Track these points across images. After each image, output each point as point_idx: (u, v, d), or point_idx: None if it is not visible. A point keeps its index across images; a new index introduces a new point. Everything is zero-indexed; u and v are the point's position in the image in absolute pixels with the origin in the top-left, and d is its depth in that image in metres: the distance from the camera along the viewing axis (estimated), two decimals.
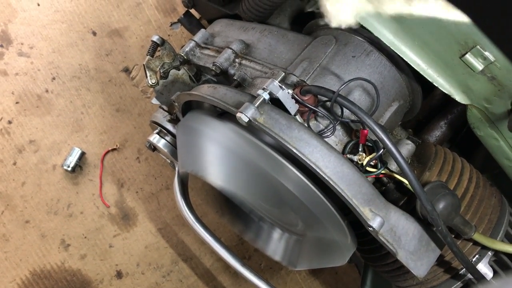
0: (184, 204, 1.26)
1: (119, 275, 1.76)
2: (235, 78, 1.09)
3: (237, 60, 1.13)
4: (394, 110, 1.08)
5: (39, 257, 1.69)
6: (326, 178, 0.82)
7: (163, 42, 1.22)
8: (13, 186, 1.69)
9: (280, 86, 0.86)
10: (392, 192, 1.02)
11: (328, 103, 0.95)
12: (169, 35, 1.79)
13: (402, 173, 0.82)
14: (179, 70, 1.24)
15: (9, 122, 1.68)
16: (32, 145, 1.68)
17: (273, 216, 1.09)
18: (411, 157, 1.05)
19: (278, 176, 0.89)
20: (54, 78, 1.71)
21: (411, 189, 0.91)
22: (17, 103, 1.67)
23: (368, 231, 1.01)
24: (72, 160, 1.69)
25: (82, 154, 1.72)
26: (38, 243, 1.69)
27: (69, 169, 1.68)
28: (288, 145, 0.82)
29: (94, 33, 1.74)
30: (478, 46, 0.76)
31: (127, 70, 1.78)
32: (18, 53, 1.66)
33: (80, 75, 1.73)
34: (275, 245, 1.17)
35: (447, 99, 1.38)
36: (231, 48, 1.13)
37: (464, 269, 1.02)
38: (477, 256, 1.02)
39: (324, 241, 0.99)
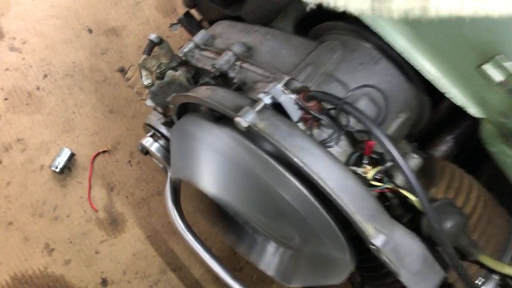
0: (175, 211, 1.22)
1: (104, 283, 1.70)
2: (235, 81, 1.04)
3: (237, 63, 1.08)
4: (400, 122, 1.03)
5: (21, 261, 1.62)
6: (329, 190, 0.77)
7: (160, 41, 1.17)
8: None
9: (283, 90, 0.81)
10: (395, 208, 0.97)
11: (332, 112, 0.91)
12: (167, 36, 1.74)
13: (410, 189, 0.76)
14: (176, 71, 1.19)
15: None
16: (19, 143, 1.63)
17: (268, 228, 1.04)
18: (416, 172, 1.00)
19: (277, 186, 0.84)
20: (46, 76, 1.66)
21: (417, 206, 0.86)
22: (5, 99, 1.62)
23: (369, 249, 0.96)
24: (60, 161, 1.63)
25: (72, 155, 1.66)
26: (20, 246, 1.62)
27: (57, 170, 1.62)
28: (290, 154, 0.77)
29: (90, 31, 1.69)
30: (498, 56, 0.70)
31: (122, 70, 1.73)
32: (9, 48, 1.61)
33: (73, 73, 1.68)
34: (269, 259, 1.12)
35: (453, 114, 1.35)
36: (231, 51, 1.09)
37: None
38: (482, 279, 0.97)
39: (321, 257, 0.94)
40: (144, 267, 1.73)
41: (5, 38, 1.62)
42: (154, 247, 1.74)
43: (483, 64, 0.73)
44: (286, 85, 0.86)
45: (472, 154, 1.35)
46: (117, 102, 1.72)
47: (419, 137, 1.32)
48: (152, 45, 1.17)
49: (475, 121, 1.20)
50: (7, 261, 1.61)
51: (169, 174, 1.24)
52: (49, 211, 1.65)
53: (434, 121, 1.30)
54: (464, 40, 0.75)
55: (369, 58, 1.01)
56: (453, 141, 1.21)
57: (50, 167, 1.64)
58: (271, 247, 1.11)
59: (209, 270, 1.78)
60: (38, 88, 1.65)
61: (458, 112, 1.30)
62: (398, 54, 0.99)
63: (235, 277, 1.16)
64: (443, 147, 1.23)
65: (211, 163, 0.91)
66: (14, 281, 1.60)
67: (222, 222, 1.22)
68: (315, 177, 0.77)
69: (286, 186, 0.83)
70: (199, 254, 1.22)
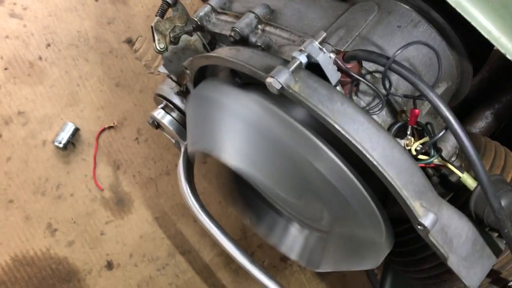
0: (189, 189, 1.15)
1: (109, 265, 1.62)
2: (259, 44, 0.95)
3: (260, 26, 1.00)
4: (441, 92, 0.95)
5: (22, 242, 1.53)
6: (374, 162, 0.68)
7: (175, 2, 1.08)
8: None
9: (320, 48, 0.71)
10: (435, 186, 0.88)
11: (369, 77, 0.81)
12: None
13: (468, 159, 0.67)
14: (191, 36, 1.09)
15: None
16: (20, 117, 1.53)
17: (295, 207, 0.96)
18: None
19: (310, 158, 0.75)
20: (49, 45, 1.56)
21: (466, 184, 0.78)
22: (5, 69, 1.52)
23: (406, 230, 0.87)
24: (64, 136, 1.54)
25: (76, 130, 1.57)
26: (21, 225, 1.54)
27: (61, 145, 1.53)
28: (330, 120, 0.68)
29: None
30: None
31: (130, 41, 1.63)
32: (9, 14, 1.51)
33: (78, 43, 1.58)
34: (292, 242, 1.05)
35: (483, 91, 1.26)
36: (253, 12, 1.00)
37: None
38: None
39: (355, 239, 0.85)
40: (152, 250, 1.65)
41: (5, 3, 1.52)
42: (162, 229, 1.66)
43: None
44: (321, 44, 0.77)
45: (507, 132, 1.27)
46: (124, 75, 1.63)
47: None
48: (165, 6, 1.07)
49: None
50: (7, 241, 1.52)
51: (182, 149, 1.16)
52: (52, 189, 1.56)
53: (463, 99, 1.21)
54: None
55: (407, 20, 0.93)
56: (492, 116, 1.12)
57: (53, 142, 1.55)
58: (294, 229, 1.03)
59: (219, 254, 1.72)
60: (40, 58, 1.55)
61: (489, 90, 1.22)
62: (440, 16, 0.91)
63: (253, 261, 1.10)
64: (480, 123, 1.14)
65: (235, 133, 0.82)
66: (14, 262, 1.52)
67: (239, 202, 1.14)
68: (358, 146, 0.67)
69: (320, 157, 0.74)
70: (213, 235, 1.15)
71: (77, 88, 1.58)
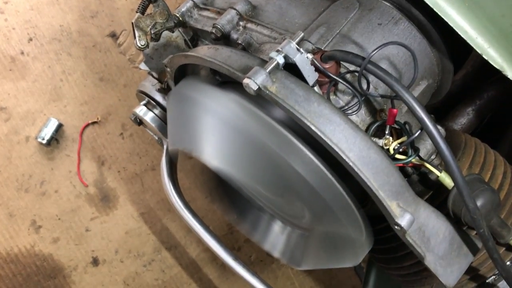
0: (172, 187, 1.15)
1: (95, 262, 1.61)
2: (239, 42, 0.94)
3: (241, 23, 0.99)
4: (422, 90, 0.95)
5: (5, 239, 1.53)
6: (350, 163, 0.68)
7: None
8: None
9: (298, 48, 0.71)
10: (414, 185, 0.89)
11: (348, 76, 0.81)
12: None
13: (444, 160, 0.67)
14: (173, 32, 1.08)
15: None
16: (2, 112, 1.52)
17: (276, 205, 0.95)
18: None
19: (288, 157, 0.75)
20: (31, 39, 1.54)
21: (443, 182, 0.78)
22: None
23: (386, 228, 0.87)
24: (47, 132, 1.52)
25: (60, 126, 1.55)
26: (5, 223, 1.53)
27: (44, 142, 1.52)
28: (306, 121, 0.68)
29: None
30: None
31: (114, 36, 1.61)
32: None
33: (60, 37, 1.56)
34: (275, 239, 1.05)
35: (467, 86, 1.26)
36: (235, 9, 0.99)
37: (493, 276, 0.90)
38: (508, 263, 0.89)
39: (335, 237, 0.86)
40: (138, 245, 1.65)
41: None
42: (148, 225, 1.65)
43: None
44: (299, 44, 0.76)
45: (489, 128, 1.27)
46: (108, 70, 1.61)
47: (432, 111, 1.23)
48: (146, 2, 1.06)
49: (501, 92, 1.12)
50: None
51: (165, 146, 1.15)
52: (36, 186, 1.55)
53: (447, 94, 1.21)
54: None
55: (388, 18, 0.92)
56: (473, 113, 1.13)
57: (36, 138, 1.53)
58: (277, 226, 1.03)
59: (206, 249, 1.72)
60: (22, 53, 1.53)
61: (474, 85, 1.22)
62: (421, 14, 0.91)
63: (236, 258, 1.10)
64: (462, 120, 1.14)
65: (214, 133, 0.82)
66: None
67: (223, 199, 1.14)
68: (335, 148, 0.67)
69: (298, 158, 0.74)
70: (196, 232, 1.15)
71: (60, 83, 1.56)
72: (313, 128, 0.67)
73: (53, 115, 1.56)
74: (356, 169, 0.68)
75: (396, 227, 0.71)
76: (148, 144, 1.63)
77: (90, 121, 1.58)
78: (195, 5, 1.07)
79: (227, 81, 0.89)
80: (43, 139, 1.52)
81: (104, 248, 1.61)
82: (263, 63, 0.72)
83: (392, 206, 0.70)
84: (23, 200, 1.54)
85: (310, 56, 0.71)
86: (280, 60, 0.70)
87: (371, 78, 0.78)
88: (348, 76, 0.81)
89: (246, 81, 0.69)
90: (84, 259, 1.60)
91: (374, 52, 0.69)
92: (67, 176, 1.58)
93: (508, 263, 0.90)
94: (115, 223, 1.62)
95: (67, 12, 1.57)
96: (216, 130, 0.81)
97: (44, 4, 1.54)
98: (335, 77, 0.73)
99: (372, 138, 0.79)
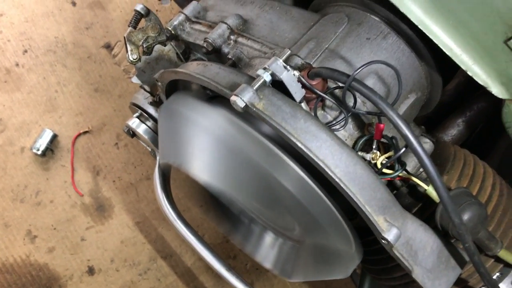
0: (165, 199, 1.15)
1: (91, 271, 1.61)
2: (230, 57, 0.95)
3: (232, 37, 1.00)
4: (410, 103, 0.95)
5: (1, 249, 1.53)
6: (336, 179, 0.69)
7: (148, 12, 1.07)
8: None
9: (284, 66, 0.72)
10: (404, 197, 0.90)
11: (337, 91, 0.82)
12: (157, 11, 1.63)
13: (429, 177, 0.68)
14: (165, 46, 1.09)
15: None
16: None
17: (266, 218, 0.96)
18: None
19: (276, 172, 0.76)
20: (26, 51, 1.55)
21: (431, 196, 0.79)
22: None
23: (375, 240, 0.88)
24: (42, 143, 1.53)
25: (54, 136, 1.56)
26: (0, 233, 1.53)
27: (39, 152, 1.52)
28: (292, 138, 0.69)
29: (74, 3, 1.58)
30: None
31: (108, 47, 1.62)
32: None
33: (55, 49, 1.57)
34: (266, 251, 1.05)
35: (460, 96, 1.26)
36: (226, 23, 1.00)
37: None
38: (498, 274, 0.90)
39: (324, 249, 0.86)
40: (133, 254, 1.65)
41: None
42: (143, 234, 1.65)
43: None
44: (287, 60, 0.77)
45: (479, 139, 1.28)
46: (103, 81, 1.62)
47: (425, 120, 1.24)
48: (138, 16, 1.06)
49: (491, 103, 1.13)
50: None
51: (157, 158, 1.16)
52: (31, 196, 1.56)
53: (440, 103, 1.22)
54: (491, 9, 0.66)
55: (376, 32, 0.93)
56: (464, 124, 1.13)
57: (31, 149, 1.54)
58: (268, 238, 1.04)
59: (201, 258, 1.71)
60: (17, 65, 1.54)
61: (466, 94, 1.23)
62: (409, 28, 0.92)
63: (230, 268, 1.10)
64: (452, 131, 1.14)
65: (203, 148, 0.83)
66: None
67: (215, 210, 1.14)
68: (321, 164, 0.68)
69: (286, 173, 0.75)
70: (191, 244, 1.16)
71: (55, 94, 1.57)
72: (299, 144, 0.68)
73: (48, 126, 1.57)
74: (342, 185, 0.69)
75: (383, 241, 0.72)
76: (143, 154, 1.64)
77: (81, 131, 1.58)
78: (187, 19, 1.08)
79: (216, 96, 0.89)
80: (38, 149, 1.53)
81: (100, 257, 1.62)
82: (251, 80, 0.73)
83: (379, 220, 0.71)
84: (18, 210, 1.55)
85: (296, 73, 0.72)
86: (267, 77, 0.71)
87: (358, 94, 0.79)
88: (336, 91, 0.82)
89: (233, 98, 0.70)
90: (79, 269, 1.60)
91: (358, 71, 0.70)
92: (62, 186, 1.59)
93: (497, 274, 0.90)
94: (111, 232, 1.63)
95: (62, 23, 1.58)
96: (204, 145, 0.82)
97: (39, 16, 1.55)
98: (321, 93, 0.73)
99: (360, 152, 0.80)
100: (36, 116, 1.56)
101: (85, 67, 1.60)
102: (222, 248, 1.70)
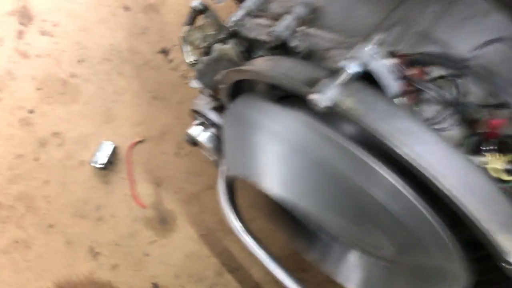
0: (230, 211, 1.08)
1: None
2: (300, 50, 0.83)
3: (300, 28, 0.88)
4: None
5: (64, 267, 1.48)
6: (447, 192, 0.55)
7: (205, 8, 0.97)
8: (34, 185, 1.49)
9: (373, 55, 0.59)
10: None
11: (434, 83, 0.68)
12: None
13: None
14: (225, 44, 0.99)
15: (30, 112, 1.47)
16: (56, 137, 1.48)
17: (351, 236, 0.83)
18: None
19: (366, 185, 0.63)
20: (81, 61, 1.50)
21: None
22: (39, 89, 1.47)
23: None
24: (101, 156, 1.47)
25: (114, 148, 1.50)
26: (63, 250, 1.48)
27: (99, 166, 1.47)
28: (390, 142, 0.56)
29: (127, 8, 1.52)
30: None
31: (164, 51, 1.55)
32: (40, 32, 1.46)
33: (111, 57, 1.51)
34: (350, 270, 0.92)
35: None
36: (292, 14, 0.88)
37: None
38: None
39: (424, 269, 0.72)
40: (199, 269, 1.56)
41: (35, 21, 1.47)
42: (208, 247, 1.56)
43: None
44: (374, 48, 0.64)
45: None
46: (161, 88, 1.55)
47: None
48: (194, 13, 0.97)
49: None
50: (49, 267, 1.47)
51: (221, 167, 1.06)
52: (92, 211, 1.50)
53: None
54: None
55: (475, 10, 0.78)
56: None
57: (90, 163, 1.48)
58: (352, 256, 0.91)
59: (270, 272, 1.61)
60: (73, 75, 1.49)
61: None
62: None
63: (299, 283, 1.03)
64: None
65: (276, 157, 0.71)
66: None
67: (287, 225, 1.04)
68: (427, 175, 0.55)
69: (379, 185, 0.63)
70: (258, 258, 1.08)
71: (112, 104, 1.51)
72: (398, 151, 0.55)
73: (107, 138, 1.51)
74: (455, 200, 0.55)
75: (508, 266, 0.58)
76: (205, 162, 1.55)
77: (134, 141, 1.51)
78: (248, 13, 0.98)
79: (288, 95, 0.78)
80: (97, 162, 1.47)
81: (164, 273, 1.54)
82: (332, 74, 0.60)
83: (505, 241, 0.57)
84: (79, 226, 1.50)
85: (391, 62, 0.59)
86: (353, 69, 0.59)
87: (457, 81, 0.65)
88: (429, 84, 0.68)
89: (313, 96, 0.58)
90: (144, 285, 1.53)
91: (475, 53, 0.56)
92: (123, 200, 1.52)
93: None
94: (174, 246, 1.55)
95: (116, 30, 1.52)
96: (278, 154, 0.71)
97: (93, 23, 1.50)
98: (423, 85, 0.60)
99: (469, 157, 0.66)
100: (94, 127, 1.51)
101: (142, 74, 1.54)
102: (292, 260, 1.57)
